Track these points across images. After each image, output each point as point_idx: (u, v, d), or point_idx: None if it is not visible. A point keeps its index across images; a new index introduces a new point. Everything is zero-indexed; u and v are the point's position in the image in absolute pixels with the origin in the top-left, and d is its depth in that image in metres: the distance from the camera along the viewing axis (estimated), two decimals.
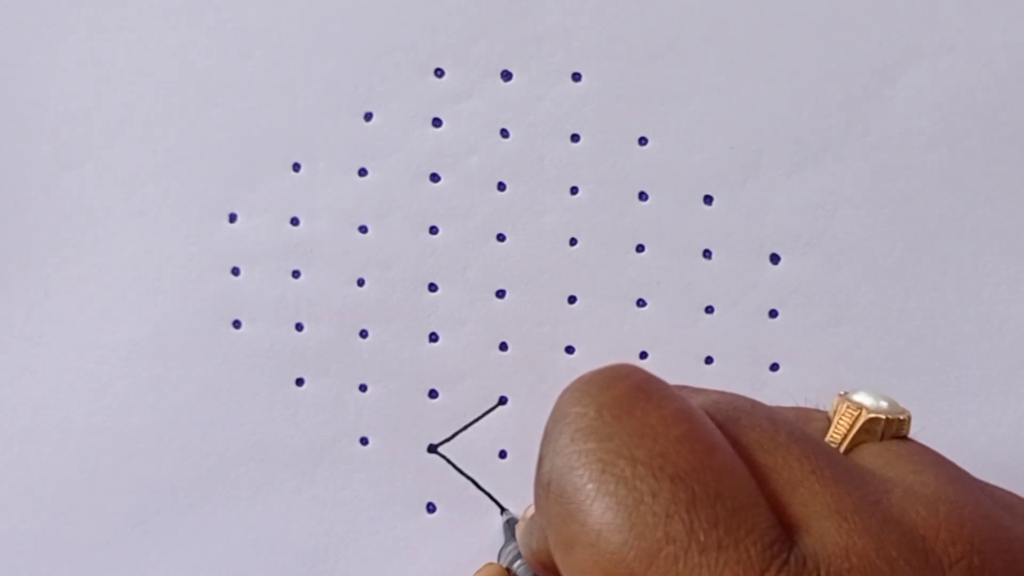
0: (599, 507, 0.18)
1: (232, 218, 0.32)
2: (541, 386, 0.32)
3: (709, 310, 0.31)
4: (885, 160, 0.30)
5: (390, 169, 0.32)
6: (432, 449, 0.32)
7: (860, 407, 0.20)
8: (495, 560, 0.30)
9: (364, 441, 0.32)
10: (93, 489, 0.33)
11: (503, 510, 0.32)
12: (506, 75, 0.31)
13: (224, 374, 0.32)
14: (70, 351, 0.33)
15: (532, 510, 0.26)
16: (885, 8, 0.30)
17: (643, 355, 0.31)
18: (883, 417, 0.20)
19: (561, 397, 0.21)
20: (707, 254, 0.31)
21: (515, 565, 0.28)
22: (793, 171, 0.31)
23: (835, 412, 0.21)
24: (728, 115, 0.31)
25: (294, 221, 0.32)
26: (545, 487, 0.20)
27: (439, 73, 0.32)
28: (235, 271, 0.32)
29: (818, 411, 0.22)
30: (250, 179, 0.32)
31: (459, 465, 0.32)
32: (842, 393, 0.21)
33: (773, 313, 0.31)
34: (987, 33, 0.30)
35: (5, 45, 0.33)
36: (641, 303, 0.31)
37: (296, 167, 0.32)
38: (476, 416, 0.32)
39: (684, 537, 0.17)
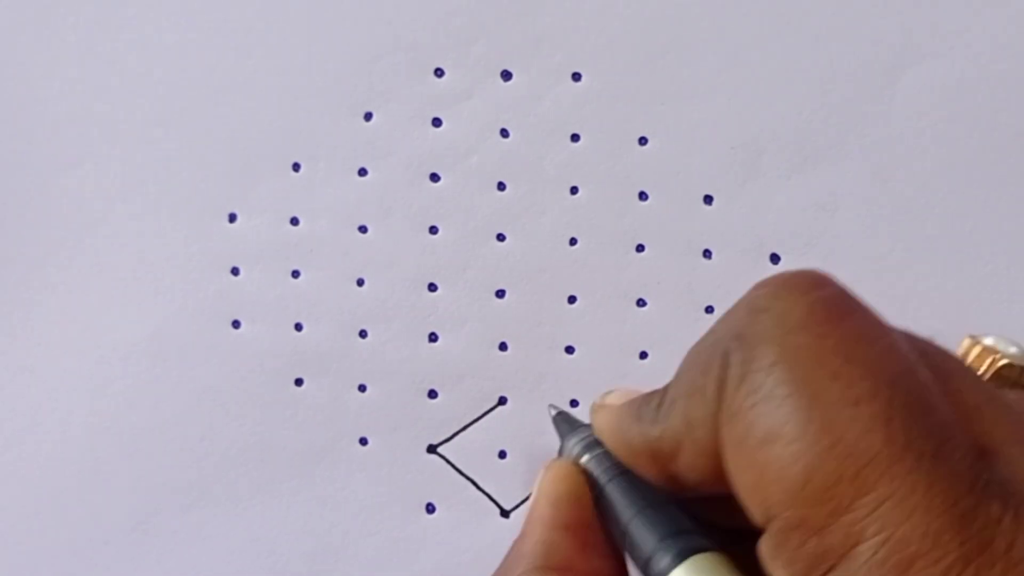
0: (810, 402, 0.17)
1: (232, 218, 0.32)
2: (541, 386, 0.32)
3: (709, 310, 0.31)
4: (885, 160, 0.30)
5: (390, 169, 0.32)
6: (432, 449, 0.32)
7: (994, 350, 0.20)
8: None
9: (363, 441, 0.32)
10: (93, 489, 0.33)
11: (563, 416, 0.29)
12: (506, 75, 0.31)
13: (224, 374, 0.32)
14: (70, 351, 0.33)
15: (617, 396, 0.25)
16: (885, 8, 0.30)
17: (643, 355, 0.31)
18: (1018, 365, 0.20)
19: (756, 291, 0.20)
20: (707, 254, 0.31)
21: (584, 459, 0.25)
22: (793, 171, 0.31)
23: (966, 353, 0.20)
24: (728, 115, 0.31)
25: (294, 221, 0.32)
26: (735, 380, 0.19)
27: (439, 73, 0.32)
28: (235, 271, 0.32)
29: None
30: (250, 179, 0.32)
31: (459, 465, 0.32)
32: (972, 336, 0.21)
33: None
34: (987, 33, 0.30)
35: (5, 45, 0.33)
36: (641, 303, 0.31)
37: (296, 167, 0.32)
38: (476, 416, 0.32)
39: (902, 441, 0.17)
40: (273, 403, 0.32)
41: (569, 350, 0.32)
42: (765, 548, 0.19)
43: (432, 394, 0.32)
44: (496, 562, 0.32)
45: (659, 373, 0.31)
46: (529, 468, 0.32)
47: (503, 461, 0.32)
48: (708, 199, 0.31)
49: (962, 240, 0.30)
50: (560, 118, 0.31)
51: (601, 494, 0.24)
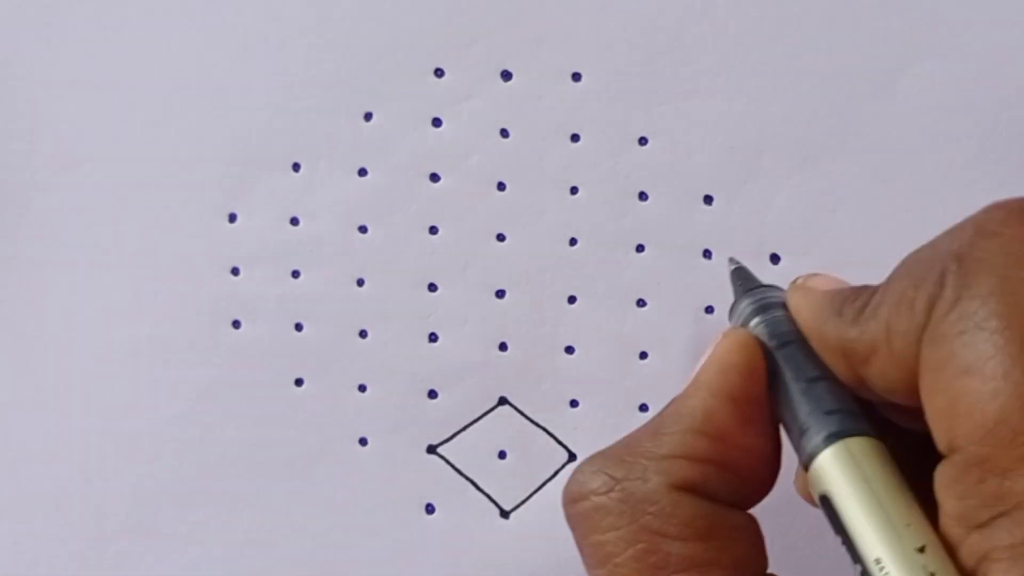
0: (1019, 343, 0.17)
1: (232, 218, 0.32)
2: (541, 386, 0.32)
3: (709, 310, 0.31)
4: (885, 160, 0.30)
5: (390, 169, 0.32)
6: (431, 450, 0.32)
7: None
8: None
9: (363, 441, 0.32)
10: (93, 489, 0.33)
11: (740, 272, 0.28)
12: (506, 75, 0.31)
13: (223, 374, 0.32)
14: (70, 351, 0.33)
15: (822, 281, 0.24)
16: (885, 8, 0.30)
17: (643, 355, 0.31)
18: None
19: (989, 213, 0.19)
20: (707, 254, 0.31)
21: (756, 321, 0.24)
22: (793, 171, 0.31)
23: None
24: (728, 115, 0.31)
25: (294, 221, 0.32)
26: (948, 302, 0.18)
27: (439, 73, 0.32)
28: (235, 271, 0.32)
29: None
30: (250, 179, 0.32)
31: (459, 465, 0.32)
32: None
33: None
34: (987, 33, 0.30)
35: (5, 45, 0.33)
36: (641, 303, 0.31)
37: (296, 167, 0.32)
38: (476, 416, 0.32)
39: None
40: (273, 403, 0.32)
41: (569, 350, 0.32)
42: (942, 476, 0.18)
43: (432, 394, 0.32)
44: (496, 562, 0.32)
45: (659, 373, 0.31)
46: (529, 468, 0.32)
47: (503, 461, 0.32)
48: (708, 199, 0.31)
49: None
50: (560, 118, 0.31)
51: (770, 357, 0.23)
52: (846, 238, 0.31)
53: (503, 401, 0.32)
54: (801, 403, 0.22)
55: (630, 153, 0.31)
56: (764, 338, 0.24)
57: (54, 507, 0.33)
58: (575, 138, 0.31)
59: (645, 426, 0.23)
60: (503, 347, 0.32)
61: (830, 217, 0.31)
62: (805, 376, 0.22)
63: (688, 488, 0.22)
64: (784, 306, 0.24)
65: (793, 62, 0.31)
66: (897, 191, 0.30)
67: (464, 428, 0.32)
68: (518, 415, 0.32)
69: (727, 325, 0.31)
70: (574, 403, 0.32)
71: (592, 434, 0.31)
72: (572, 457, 0.32)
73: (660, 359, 0.31)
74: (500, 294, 0.32)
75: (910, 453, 0.21)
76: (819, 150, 0.31)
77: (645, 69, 0.31)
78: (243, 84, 0.32)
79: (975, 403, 0.17)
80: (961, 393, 0.18)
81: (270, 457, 0.32)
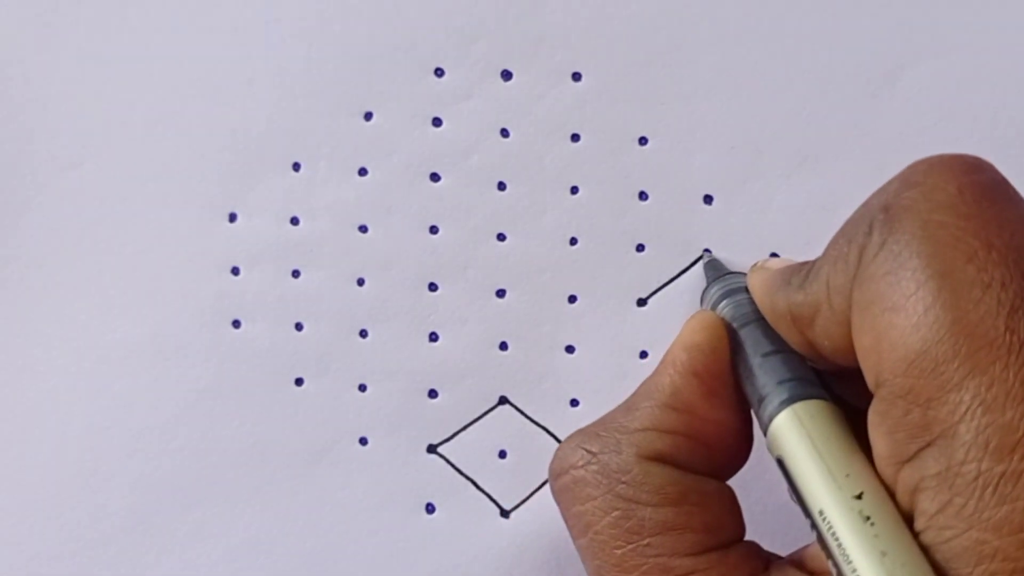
0: (940, 279, 0.18)
1: (232, 218, 0.32)
2: (541, 386, 0.32)
3: None
4: (885, 160, 0.30)
5: (390, 169, 0.32)
6: (432, 449, 0.32)
7: None
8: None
9: (363, 441, 0.32)
10: (93, 489, 0.33)
11: (712, 263, 0.30)
12: (506, 75, 0.31)
13: (223, 374, 0.32)
14: (70, 351, 0.33)
15: (778, 262, 0.26)
16: (885, 8, 0.30)
17: (643, 355, 0.31)
18: None
19: (912, 168, 0.20)
20: (707, 254, 0.31)
21: (723, 303, 0.27)
22: (793, 171, 0.31)
23: None
24: (728, 115, 0.31)
25: (294, 221, 0.32)
26: (875, 247, 0.19)
27: (439, 73, 0.32)
28: (235, 271, 0.32)
29: None
30: (250, 179, 0.32)
31: (459, 465, 0.32)
32: None
33: None
34: (987, 33, 0.30)
35: (5, 45, 0.33)
36: (641, 303, 0.31)
37: (296, 167, 0.32)
38: (476, 416, 0.32)
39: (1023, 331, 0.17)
40: (273, 403, 0.32)
41: (569, 350, 0.32)
42: (872, 414, 0.19)
43: (432, 394, 0.32)
44: (496, 562, 0.32)
45: None
46: (529, 468, 0.32)
47: (503, 461, 0.32)
48: (708, 199, 0.31)
49: None
50: (560, 118, 0.31)
51: (733, 336, 0.25)
52: None
53: (503, 401, 0.32)
54: (759, 375, 0.24)
55: (630, 153, 0.31)
56: (729, 319, 0.26)
57: (54, 507, 0.33)
58: (575, 138, 0.31)
59: (620, 405, 0.25)
60: (503, 347, 0.32)
61: (830, 217, 0.31)
62: (762, 351, 0.24)
63: (658, 458, 0.23)
64: (747, 289, 0.26)
65: (793, 62, 0.31)
66: None
67: (464, 428, 0.32)
68: (518, 415, 0.32)
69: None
70: (574, 403, 0.32)
71: None
72: None
73: (660, 359, 0.31)
74: (500, 294, 0.32)
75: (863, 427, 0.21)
76: (819, 150, 0.31)
77: (645, 69, 0.31)
78: (243, 84, 0.32)
79: (898, 337, 0.18)
80: (886, 329, 0.18)
81: (270, 457, 0.32)
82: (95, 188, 0.33)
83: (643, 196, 0.31)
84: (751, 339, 0.25)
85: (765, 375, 0.23)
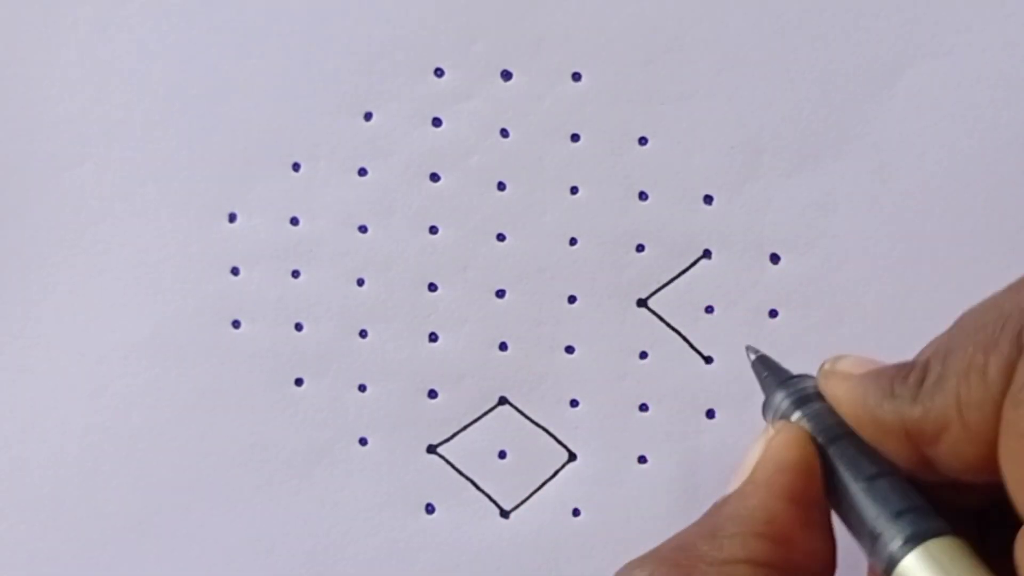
0: None
1: (232, 218, 0.32)
2: (541, 386, 0.32)
3: (709, 310, 0.31)
4: (885, 160, 0.30)
5: (390, 169, 0.32)
6: (431, 449, 0.32)
7: None
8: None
9: (363, 441, 0.32)
10: (92, 489, 0.33)
11: (764, 361, 0.27)
12: (506, 75, 0.31)
13: (223, 374, 0.32)
14: (70, 351, 0.33)
15: (853, 364, 0.23)
16: (885, 8, 0.30)
17: (643, 355, 0.31)
18: None
19: None
20: (707, 254, 0.31)
21: (797, 415, 0.23)
22: (793, 171, 0.31)
23: None
24: (728, 115, 0.31)
25: (294, 221, 0.32)
26: None
27: (439, 73, 0.32)
28: (235, 271, 0.32)
29: None
30: (250, 179, 0.32)
31: (459, 465, 0.32)
32: None
33: (773, 313, 0.31)
34: (987, 33, 0.30)
35: (5, 45, 0.33)
36: (641, 303, 0.31)
37: (296, 167, 0.32)
38: (476, 416, 0.32)
39: None
40: (273, 403, 0.32)
41: (569, 350, 0.32)
42: (1020, 546, 0.17)
43: (432, 394, 0.32)
44: (496, 562, 0.32)
45: (659, 373, 0.31)
46: (529, 468, 0.32)
47: (503, 461, 0.32)
48: (708, 199, 0.31)
49: (962, 240, 0.30)
50: (560, 118, 0.31)
51: (822, 455, 0.22)
52: (846, 238, 0.31)
53: (503, 401, 0.32)
54: (866, 505, 0.21)
55: (630, 153, 0.31)
56: (812, 432, 0.23)
57: (54, 507, 0.33)
58: (575, 138, 0.31)
59: (698, 526, 0.22)
60: (503, 347, 0.32)
61: (830, 217, 0.31)
62: (864, 474, 0.22)
63: None
64: (822, 397, 0.23)
65: (793, 62, 0.31)
66: (897, 191, 0.30)
67: (464, 428, 0.32)
68: (518, 415, 0.32)
69: (727, 325, 0.31)
70: (574, 403, 0.32)
71: (592, 434, 0.31)
72: (572, 457, 0.32)
73: (660, 359, 0.31)
74: (500, 294, 0.32)
75: (970, 530, 0.20)
76: (819, 150, 0.31)
77: (645, 69, 0.31)
78: (243, 84, 0.32)
79: None
80: None
81: (270, 457, 0.32)
82: (95, 188, 0.33)
83: (643, 196, 0.31)
84: (846, 459, 0.22)
85: (876, 505, 0.21)
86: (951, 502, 0.21)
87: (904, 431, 0.20)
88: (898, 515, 0.20)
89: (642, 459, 0.31)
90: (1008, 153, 0.30)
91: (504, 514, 0.32)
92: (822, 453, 0.22)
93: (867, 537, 0.21)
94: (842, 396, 0.22)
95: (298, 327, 0.32)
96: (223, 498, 0.32)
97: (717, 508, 0.22)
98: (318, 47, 0.32)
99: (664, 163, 0.31)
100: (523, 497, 0.32)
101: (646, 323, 0.31)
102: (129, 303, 0.33)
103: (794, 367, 0.26)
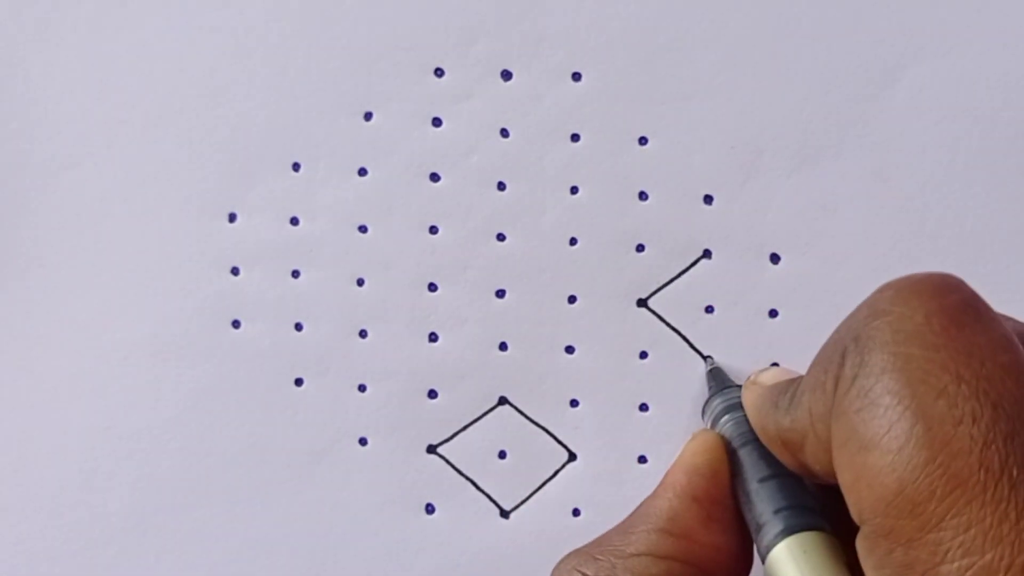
0: (912, 416, 0.18)
1: (232, 218, 0.32)
2: (541, 386, 0.32)
3: (709, 310, 0.31)
4: (885, 160, 0.30)
5: (390, 169, 0.32)
6: (431, 449, 0.32)
7: None
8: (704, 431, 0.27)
9: (363, 441, 0.32)
10: (92, 489, 0.33)
11: (716, 372, 0.30)
12: (506, 75, 0.31)
13: (223, 374, 0.32)
14: (70, 351, 0.33)
15: (770, 376, 0.26)
16: (885, 8, 0.30)
17: (643, 355, 0.31)
18: None
19: (880, 293, 0.20)
20: (707, 254, 0.31)
21: (724, 419, 0.26)
22: (793, 171, 0.31)
23: None
24: (728, 115, 0.31)
25: (294, 221, 0.32)
26: (847, 381, 0.19)
27: (439, 73, 0.32)
28: (235, 271, 0.32)
29: None
30: (250, 179, 0.32)
31: (459, 465, 0.32)
32: None
33: (773, 313, 0.31)
34: (987, 33, 0.30)
35: (5, 45, 0.33)
36: (641, 303, 0.31)
37: (296, 167, 0.32)
38: (476, 416, 0.32)
39: (997, 468, 0.17)
40: (273, 403, 0.32)
41: (569, 350, 0.32)
42: (859, 548, 0.19)
43: (432, 394, 0.32)
44: (496, 562, 0.32)
45: (659, 373, 0.31)
46: (529, 468, 0.32)
47: (503, 461, 0.32)
48: (708, 199, 0.31)
49: (962, 240, 0.30)
50: (560, 118, 0.31)
51: (734, 456, 0.25)
52: (846, 238, 0.31)
53: (503, 401, 0.32)
54: (756, 502, 0.24)
55: (630, 153, 0.31)
56: (729, 437, 0.26)
57: (54, 507, 0.33)
58: (575, 138, 0.31)
59: (617, 525, 0.25)
60: (503, 347, 0.32)
61: (830, 217, 0.31)
62: (758, 475, 0.24)
63: None
64: None
65: (793, 62, 0.31)
66: (897, 191, 0.30)
67: (464, 428, 0.32)
68: (518, 415, 0.32)
69: (727, 325, 0.31)
70: (574, 403, 0.32)
71: (592, 434, 0.31)
72: (572, 457, 0.32)
73: (660, 359, 0.31)
74: (500, 294, 0.32)
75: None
76: (819, 150, 0.31)
77: (645, 69, 0.31)
78: (243, 84, 0.32)
79: (875, 476, 0.18)
80: (862, 468, 0.18)
81: (270, 457, 0.32)
82: (95, 188, 0.33)
83: (643, 196, 0.31)
84: (749, 461, 0.24)
85: (762, 502, 0.23)
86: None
87: (780, 439, 0.23)
88: (776, 511, 0.23)
89: (642, 459, 0.31)
90: (1008, 153, 0.30)
91: (504, 514, 0.32)
92: (734, 456, 0.25)
93: (755, 531, 0.23)
94: (750, 405, 0.25)
95: (298, 327, 0.32)
96: (223, 498, 0.32)
97: (635, 510, 0.25)
98: (318, 47, 0.32)
99: (664, 163, 0.31)
100: (523, 497, 0.32)
101: (646, 323, 0.31)
102: (129, 303, 0.33)
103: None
